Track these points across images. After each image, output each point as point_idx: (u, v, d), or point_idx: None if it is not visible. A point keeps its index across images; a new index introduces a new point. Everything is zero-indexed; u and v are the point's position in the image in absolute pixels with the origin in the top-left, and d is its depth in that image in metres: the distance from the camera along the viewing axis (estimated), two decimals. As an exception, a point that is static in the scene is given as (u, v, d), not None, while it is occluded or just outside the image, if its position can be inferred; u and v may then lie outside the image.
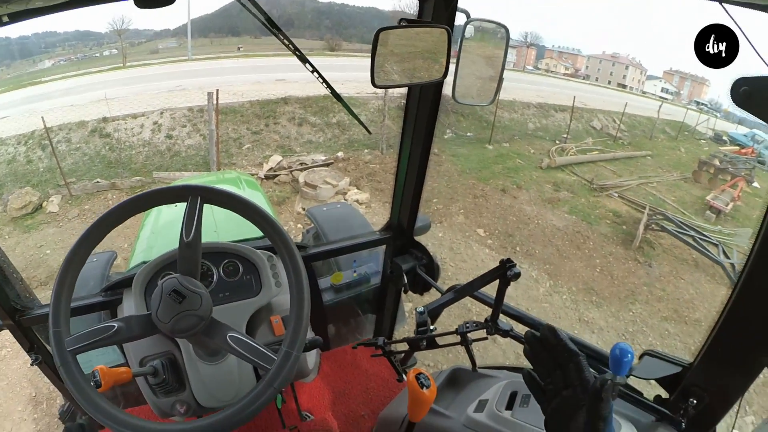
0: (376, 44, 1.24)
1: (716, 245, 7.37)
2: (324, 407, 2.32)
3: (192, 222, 1.12)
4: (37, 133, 9.65)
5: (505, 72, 1.57)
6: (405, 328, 3.12)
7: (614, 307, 5.67)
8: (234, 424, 1.01)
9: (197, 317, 1.04)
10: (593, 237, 7.46)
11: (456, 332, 1.18)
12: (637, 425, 1.22)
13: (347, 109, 1.53)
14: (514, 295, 5.56)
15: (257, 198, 3.39)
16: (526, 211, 8.09)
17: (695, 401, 1.15)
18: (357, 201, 7.64)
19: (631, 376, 1.30)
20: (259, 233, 2.02)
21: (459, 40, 1.50)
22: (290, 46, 1.28)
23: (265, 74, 15.21)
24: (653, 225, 7.86)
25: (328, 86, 1.41)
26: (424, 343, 1.20)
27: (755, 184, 11.70)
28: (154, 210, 3.12)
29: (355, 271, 2.43)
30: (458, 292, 1.44)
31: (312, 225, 3.30)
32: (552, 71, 42.88)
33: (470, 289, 1.42)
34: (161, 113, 11.27)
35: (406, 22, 1.32)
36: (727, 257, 7.08)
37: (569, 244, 7.13)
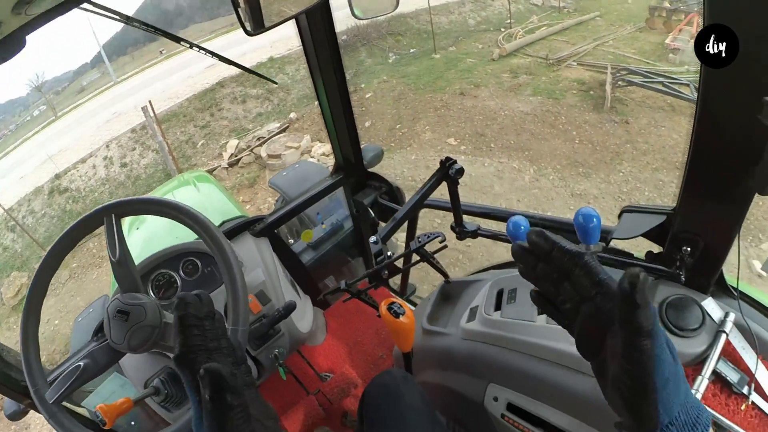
0: None
1: (687, 85, 7.20)
2: (342, 362, 2.32)
3: (114, 240, 1.11)
4: (0, 218, 9.53)
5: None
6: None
7: (603, 173, 5.63)
8: None
9: (148, 327, 1.03)
10: (564, 111, 7.32)
11: (411, 251, 1.10)
12: None
13: (244, 69, 1.55)
14: (501, 191, 5.53)
15: (209, 189, 3.26)
16: (491, 107, 7.91)
17: (689, 248, 1.04)
18: (323, 154, 7.50)
19: (614, 240, 1.20)
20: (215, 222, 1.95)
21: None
22: (158, 31, 1.26)
23: (194, 67, 14.73)
24: (619, 82, 7.70)
25: (214, 54, 1.40)
26: (386, 272, 1.12)
27: None
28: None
29: (323, 224, 2.34)
30: (409, 209, 1.34)
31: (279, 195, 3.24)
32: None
33: (419, 201, 1.32)
34: (107, 146, 11.09)
35: None
36: None
37: (542, 125, 7.02)
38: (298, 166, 3.46)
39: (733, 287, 1.08)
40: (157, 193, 3.92)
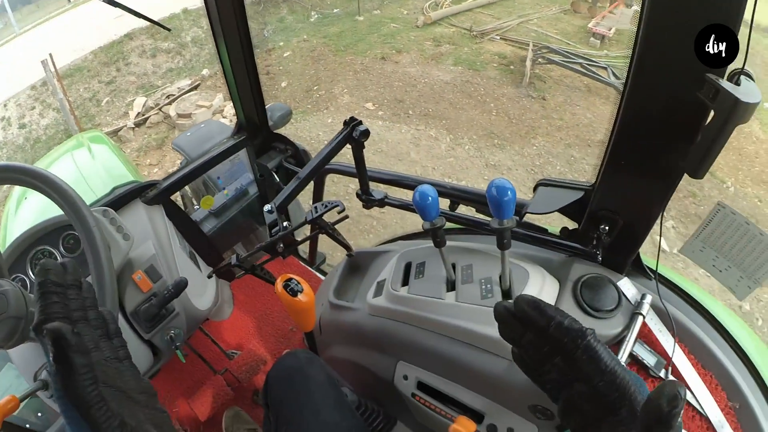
0: None
1: (605, 68, 7.46)
2: (249, 337, 2.22)
3: None
4: None
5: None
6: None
7: (517, 146, 5.77)
8: None
9: (13, 319, 0.91)
10: (483, 83, 7.38)
11: (306, 221, 1.00)
12: (547, 266, 1.08)
13: (140, 16, 1.46)
14: (417, 159, 5.53)
15: (103, 151, 2.97)
16: (411, 74, 7.83)
17: (607, 227, 0.98)
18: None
19: (528, 215, 1.14)
20: (102, 194, 1.74)
21: None
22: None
23: (103, 18, 13.40)
24: (540, 59, 7.84)
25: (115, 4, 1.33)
26: (281, 245, 1.01)
27: (635, 7, 11.85)
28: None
29: (225, 189, 2.17)
30: (308, 173, 1.22)
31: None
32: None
33: (320, 165, 1.20)
34: (4, 106, 9.90)
35: None
36: (618, 78, 7.20)
37: (461, 95, 7.05)
38: (204, 126, 3.20)
39: (650, 269, 1.05)
40: (48, 158, 3.51)
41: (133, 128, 7.75)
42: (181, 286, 1.32)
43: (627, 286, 0.99)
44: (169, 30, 1.64)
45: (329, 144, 1.19)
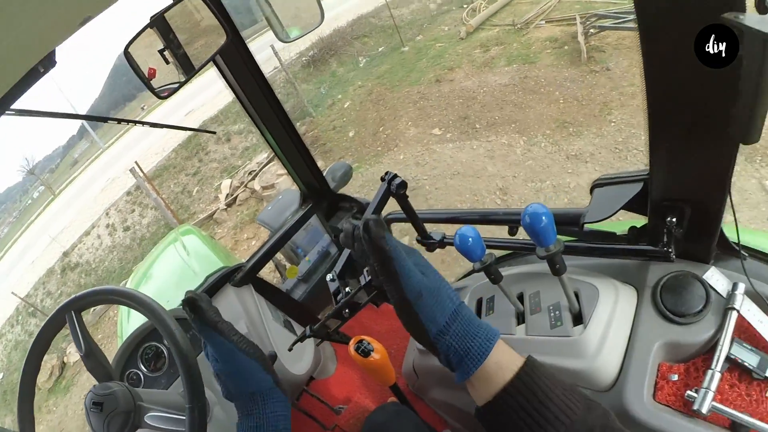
0: (133, 62, 1.08)
1: None
2: (355, 390, 2.26)
3: (77, 336, 1.16)
4: (20, 306, 9.82)
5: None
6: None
7: (594, 128, 5.46)
8: None
9: (123, 414, 1.05)
10: (542, 74, 7.13)
11: (363, 287, 1.02)
12: (621, 274, 0.99)
13: (183, 129, 1.64)
14: (495, 171, 5.41)
15: (193, 243, 3.24)
16: (468, 87, 7.74)
17: (674, 219, 0.86)
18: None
19: (587, 224, 1.04)
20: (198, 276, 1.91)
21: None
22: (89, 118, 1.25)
23: (174, 117, 14.86)
24: (591, 30, 7.46)
25: (149, 124, 1.45)
26: (347, 311, 1.04)
27: None
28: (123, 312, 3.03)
29: (306, 257, 2.28)
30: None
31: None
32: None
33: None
34: (107, 214, 11.31)
35: (152, 19, 1.12)
36: None
37: (523, 93, 6.84)
38: (282, 197, 3.42)
39: (736, 245, 0.89)
40: (151, 256, 3.89)
41: (226, 209, 8.36)
42: (271, 360, 1.39)
43: (715, 276, 0.86)
44: (214, 133, 1.80)
45: (372, 203, 1.22)
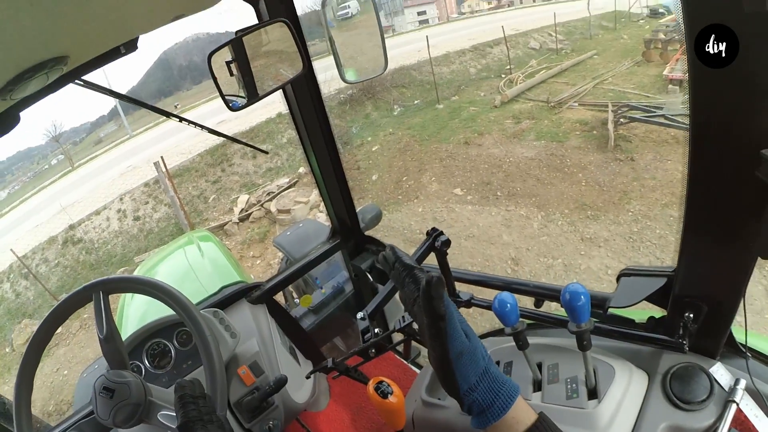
0: (212, 70, 1.17)
1: (688, 115, 7.15)
2: (344, 429, 2.25)
3: (101, 317, 1.14)
4: (15, 265, 9.78)
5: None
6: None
7: (612, 214, 5.57)
8: None
9: (132, 405, 1.05)
10: (568, 153, 7.34)
11: (394, 330, 1.08)
12: (635, 359, 1.06)
13: (234, 141, 1.74)
14: (509, 240, 5.48)
15: (212, 250, 3.29)
16: (495, 154, 7.95)
17: (691, 315, 0.95)
18: (332, 209, 7.55)
19: (611, 309, 1.13)
20: (211, 289, 1.94)
21: (325, 23, 1.45)
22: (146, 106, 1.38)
23: (207, 122, 15.09)
24: (621, 119, 7.71)
25: (199, 126, 1.50)
26: (374, 351, 1.10)
27: None
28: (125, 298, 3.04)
29: (322, 288, 2.33)
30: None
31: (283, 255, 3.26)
32: (476, 11, 42.09)
33: (407, 274, 1.30)
34: (121, 199, 11.31)
35: (239, 33, 1.22)
36: None
37: (547, 170, 7.02)
38: (302, 226, 3.47)
39: (742, 345, 1.00)
40: (163, 252, 3.95)
41: (238, 223, 8.46)
42: (281, 382, 1.43)
43: (720, 371, 0.95)
44: (266, 153, 1.87)
45: (415, 254, 1.29)
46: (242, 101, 1.29)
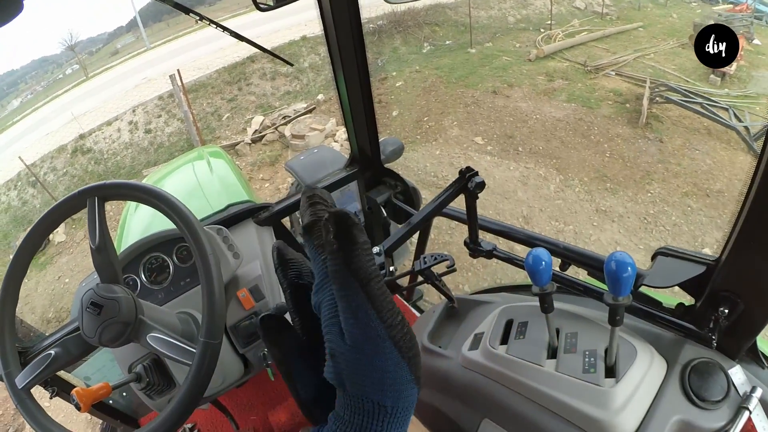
0: None
1: (726, 109, 6.88)
2: None
3: (94, 225, 1.06)
4: (23, 173, 9.84)
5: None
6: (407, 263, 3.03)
7: (631, 191, 5.43)
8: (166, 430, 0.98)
9: (121, 324, 0.99)
10: (597, 121, 7.07)
11: (414, 271, 0.99)
12: (657, 344, 1.00)
13: (262, 49, 1.63)
14: (524, 198, 5.38)
15: (222, 167, 3.20)
16: (522, 109, 7.68)
17: (726, 310, 0.89)
18: (347, 139, 7.42)
19: (643, 286, 1.06)
20: (217, 207, 1.86)
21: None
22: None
23: (227, 38, 14.71)
24: (657, 98, 7.39)
25: (230, 32, 1.50)
26: (386, 289, 1.02)
27: (756, 41, 10.85)
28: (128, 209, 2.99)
29: (329, 219, 2.24)
30: (420, 221, 1.22)
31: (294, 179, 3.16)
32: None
33: (432, 213, 1.20)
34: (133, 111, 11.19)
35: None
36: (740, 120, 6.61)
37: (573, 134, 6.79)
38: (317, 152, 3.36)
39: (764, 355, 0.96)
40: (171, 165, 3.87)
41: (250, 144, 8.33)
42: (282, 311, 1.36)
43: (738, 374, 0.90)
44: (292, 65, 1.76)
45: (443, 193, 1.18)
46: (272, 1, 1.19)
